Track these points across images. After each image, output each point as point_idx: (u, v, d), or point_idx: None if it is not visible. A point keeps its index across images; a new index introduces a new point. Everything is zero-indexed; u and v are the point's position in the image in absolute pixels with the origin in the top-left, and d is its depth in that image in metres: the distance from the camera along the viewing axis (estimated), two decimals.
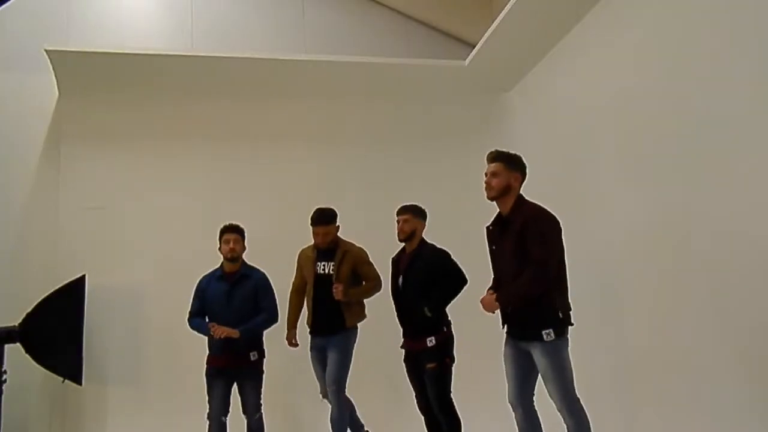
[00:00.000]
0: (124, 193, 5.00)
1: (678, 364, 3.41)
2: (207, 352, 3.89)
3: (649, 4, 3.73)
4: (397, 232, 3.78)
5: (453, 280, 3.60)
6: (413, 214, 3.74)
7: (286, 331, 4.10)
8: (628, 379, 3.88)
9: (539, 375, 2.96)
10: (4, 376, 3.92)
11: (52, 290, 4.20)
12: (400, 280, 3.71)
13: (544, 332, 2.84)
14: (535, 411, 3.05)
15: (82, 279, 4.27)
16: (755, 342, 2.89)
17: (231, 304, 3.84)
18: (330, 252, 4.02)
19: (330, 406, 3.94)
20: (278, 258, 4.87)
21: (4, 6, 3.35)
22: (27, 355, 4.04)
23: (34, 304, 4.11)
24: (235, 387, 3.90)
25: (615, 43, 4.02)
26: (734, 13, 3.06)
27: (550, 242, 2.90)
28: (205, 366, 3.88)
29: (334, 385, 3.87)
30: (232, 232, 3.95)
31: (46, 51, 4.62)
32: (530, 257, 2.85)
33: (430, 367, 3.49)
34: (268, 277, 4.03)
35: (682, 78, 3.38)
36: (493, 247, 3.13)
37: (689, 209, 3.32)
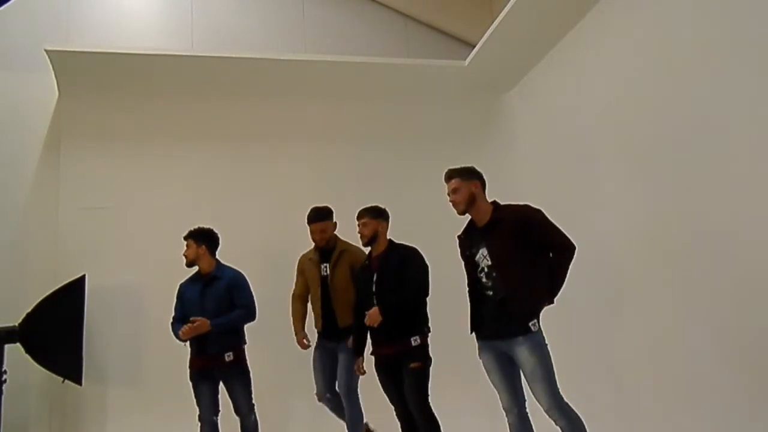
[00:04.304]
0: (124, 193, 4.99)
1: (677, 364, 3.42)
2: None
3: (648, 4, 3.73)
4: (359, 237, 3.70)
5: (411, 291, 3.47)
6: (371, 217, 3.64)
7: (294, 335, 4.08)
8: (627, 379, 3.88)
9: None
10: (4, 376, 3.92)
11: (52, 290, 4.20)
12: (375, 282, 3.54)
13: (530, 323, 2.88)
14: (527, 413, 3.02)
15: (82, 279, 4.26)
16: (755, 342, 2.89)
17: (204, 306, 3.84)
18: (329, 252, 4.02)
19: (326, 408, 3.96)
20: (278, 258, 4.89)
21: (4, 6, 3.35)
22: (27, 355, 4.04)
23: (34, 304, 4.11)
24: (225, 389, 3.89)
25: (615, 44, 4.02)
26: (734, 14, 3.07)
27: (553, 225, 3.01)
28: (188, 369, 3.90)
29: (346, 388, 3.85)
30: (185, 239, 3.99)
31: (46, 51, 4.61)
32: (550, 242, 2.97)
33: (414, 366, 3.37)
34: (244, 275, 4.01)
35: (682, 78, 3.39)
36: (467, 253, 3.14)
37: (688, 210, 3.32)
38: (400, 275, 3.49)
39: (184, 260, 3.97)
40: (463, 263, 3.23)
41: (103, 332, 4.63)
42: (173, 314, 4.00)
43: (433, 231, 4.19)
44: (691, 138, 3.29)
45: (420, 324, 3.49)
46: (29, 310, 4.08)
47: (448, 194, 3.18)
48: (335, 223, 4.07)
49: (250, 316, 3.95)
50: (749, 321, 2.92)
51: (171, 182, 5.09)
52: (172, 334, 3.89)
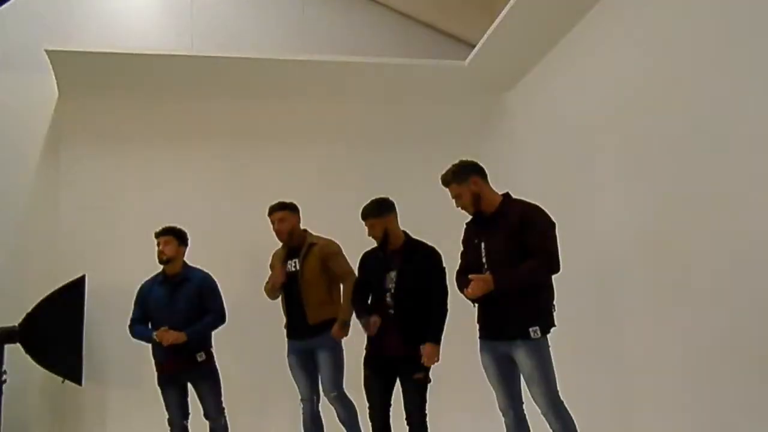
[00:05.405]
0: (124, 193, 5.00)
1: (677, 364, 3.41)
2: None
3: (649, 3, 3.73)
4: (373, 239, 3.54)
5: (442, 304, 3.35)
6: (375, 216, 3.45)
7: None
8: (626, 379, 3.88)
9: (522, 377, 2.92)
10: (4, 376, 3.92)
11: (52, 290, 4.20)
12: (393, 279, 3.37)
13: (531, 329, 2.80)
14: (525, 415, 3.01)
15: (82, 279, 4.27)
16: (755, 341, 2.89)
17: (174, 308, 3.78)
18: (298, 248, 3.84)
19: (304, 411, 3.79)
20: None
21: (4, 6, 3.36)
22: (27, 355, 4.04)
23: (34, 304, 4.11)
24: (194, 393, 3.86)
25: (615, 44, 4.02)
26: (735, 14, 3.06)
27: (552, 237, 2.90)
28: (156, 374, 3.83)
29: (336, 390, 3.67)
30: (162, 235, 3.89)
31: (46, 51, 4.62)
32: (536, 248, 2.83)
33: (418, 378, 3.26)
34: (213, 278, 3.96)
35: (682, 78, 3.39)
36: (476, 241, 3.04)
37: (688, 209, 3.32)
38: (422, 277, 3.37)
39: (161, 257, 3.86)
40: (461, 250, 3.14)
41: (103, 332, 4.63)
42: (131, 315, 3.93)
43: (433, 231, 4.18)
44: (691, 138, 3.29)
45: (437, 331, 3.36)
46: (29, 310, 4.08)
47: (453, 198, 3.09)
48: (298, 216, 3.91)
49: (222, 320, 3.91)
50: (751, 321, 2.92)
51: (171, 182, 5.09)
52: (132, 338, 3.86)
